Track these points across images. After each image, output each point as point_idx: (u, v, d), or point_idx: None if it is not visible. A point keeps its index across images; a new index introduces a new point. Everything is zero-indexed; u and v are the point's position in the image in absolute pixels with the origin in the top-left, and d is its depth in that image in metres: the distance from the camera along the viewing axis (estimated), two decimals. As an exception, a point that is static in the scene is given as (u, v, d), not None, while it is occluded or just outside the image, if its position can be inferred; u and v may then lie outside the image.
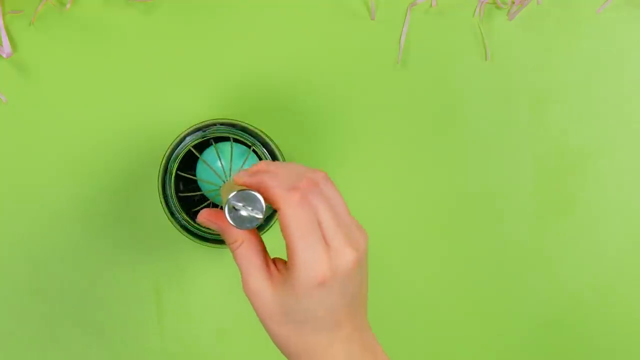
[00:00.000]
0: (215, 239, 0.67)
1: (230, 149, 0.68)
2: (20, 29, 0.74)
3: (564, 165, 0.76)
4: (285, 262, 0.52)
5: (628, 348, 0.77)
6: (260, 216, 0.49)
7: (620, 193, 0.76)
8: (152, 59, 0.74)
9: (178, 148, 0.67)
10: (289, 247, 0.50)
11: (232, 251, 0.52)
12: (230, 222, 0.50)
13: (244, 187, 0.50)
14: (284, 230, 0.49)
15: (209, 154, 0.68)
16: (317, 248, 0.49)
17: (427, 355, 0.76)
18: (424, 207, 0.76)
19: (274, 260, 0.53)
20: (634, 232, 0.77)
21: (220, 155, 0.66)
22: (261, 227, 0.66)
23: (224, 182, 0.65)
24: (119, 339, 0.75)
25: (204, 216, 0.54)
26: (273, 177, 0.51)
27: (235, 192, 0.49)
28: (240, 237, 0.52)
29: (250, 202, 0.49)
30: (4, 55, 0.73)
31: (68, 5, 0.74)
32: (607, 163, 0.76)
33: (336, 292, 0.50)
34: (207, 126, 0.67)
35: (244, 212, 0.49)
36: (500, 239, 0.76)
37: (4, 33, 0.73)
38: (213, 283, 0.75)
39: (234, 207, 0.49)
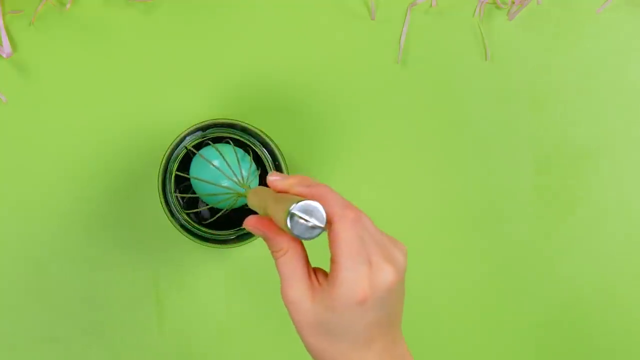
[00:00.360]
0: (216, 239, 0.67)
1: (226, 150, 0.67)
2: (20, 29, 0.74)
3: (564, 166, 0.76)
4: (326, 274, 0.52)
5: (628, 348, 0.77)
6: (323, 225, 0.49)
7: (620, 193, 0.76)
8: (152, 59, 0.74)
9: (178, 148, 0.67)
10: (335, 262, 0.50)
11: (275, 259, 0.52)
12: (293, 232, 0.49)
13: (301, 198, 0.49)
14: (333, 246, 0.50)
15: (205, 153, 0.68)
16: (362, 267, 0.49)
17: (426, 353, 0.76)
18: (423, 206, 0.76)
19: (315, 270, 0.53)
20: (634, 232, 0.76)
21: (224, 157, 0.66)
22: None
23: (243, 185, 0.64)
24: (119, 339, 0.75)
25: (251, 223, 0.53)
26: (330, 192, 0.51)
27: (297, 203, 0.48)
28: (285, 246, 0.52)
29: (311, 213, 0.49)
30: (4, 55, 0.73)
31: (68, 5, 0.74)
32: (608, 163, 0.76)
33: (374, 309, 0.50)
34: (207, 126, 0.67)
35: (309, 223, 0.49)
36: (500, 239, 0.76)
37: (4, 33, 0.73)
38: (213, 283, 0.75)
39: (299, 218, 0.49)
